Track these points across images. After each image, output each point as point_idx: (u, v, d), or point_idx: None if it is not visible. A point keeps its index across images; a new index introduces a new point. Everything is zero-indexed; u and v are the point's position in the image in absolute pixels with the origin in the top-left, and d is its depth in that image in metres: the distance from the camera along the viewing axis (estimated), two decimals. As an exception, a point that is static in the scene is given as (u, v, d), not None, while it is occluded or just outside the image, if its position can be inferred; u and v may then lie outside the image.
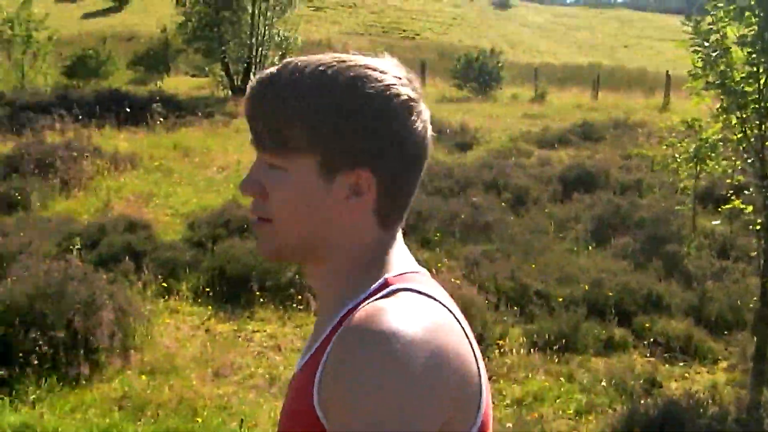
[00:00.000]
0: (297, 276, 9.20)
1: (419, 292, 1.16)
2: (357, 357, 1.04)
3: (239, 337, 8.37)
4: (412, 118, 1.22)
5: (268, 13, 27.05)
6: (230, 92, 26.45)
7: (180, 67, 34.46)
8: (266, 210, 1.23)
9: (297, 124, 1.18)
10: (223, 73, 27.76)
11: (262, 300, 9.16)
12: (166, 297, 9.12)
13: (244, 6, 26.91)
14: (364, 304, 1.14)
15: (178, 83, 30.43)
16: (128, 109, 19.95)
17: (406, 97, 1.21)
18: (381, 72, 1.21)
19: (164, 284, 9.30)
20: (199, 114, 21.80)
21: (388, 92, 1.19)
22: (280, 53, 26.60)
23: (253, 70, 25.83)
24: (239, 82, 26.27)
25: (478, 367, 1.16)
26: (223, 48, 26.75)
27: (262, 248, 1.28)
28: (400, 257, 1.26)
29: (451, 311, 1.17)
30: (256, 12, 26.75)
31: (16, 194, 11.78)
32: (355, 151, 1.18)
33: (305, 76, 1.18)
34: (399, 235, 1.29)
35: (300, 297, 9.16)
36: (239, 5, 26.85)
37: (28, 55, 22.21)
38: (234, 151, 16.72)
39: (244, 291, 9.23)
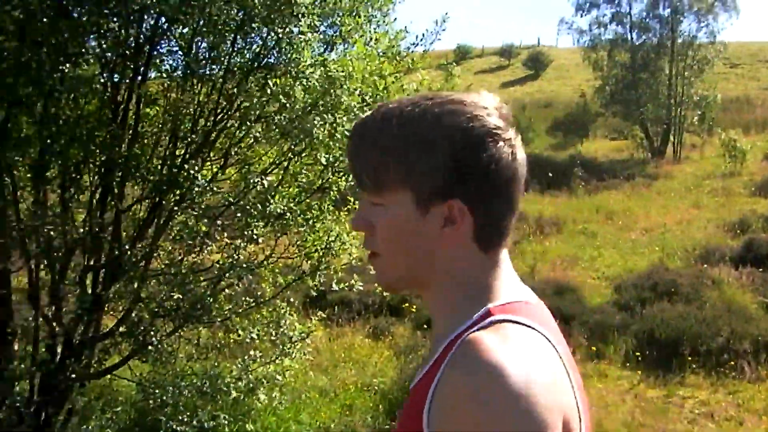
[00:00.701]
0: (730, 341, 8.90)
1: (519, 324, 1.20)
2: (457, 390, 1.10)
3: (669, 403, 8.29)
4: (498, 144, 1.26)
5: (686, 73, 26.52)
6: (650, 154, 26.26)
7: (598, 131, 34.77)
8: (375, 245, 1.32)
9: (389, 163, 1.26)
10: (642, 134, 27.70)
11: (693, 365, 8.98)
12: (595, 360, 9.38)
13: (661, 67, 26.76)
14: (466, 334, 1.18)
15: (597, 147, 30.82)
16: (550, 174, 20.70)
17: (491, 125, 1.26)
18: (466, 105, 1.27)
19: (593, 348, 9.56)
20: (620, 177, 21.96)
21: (470, 123, 1.25)
22: (699, 112, 25.83)
23: (672, 130, 25.41)
24: (659, 144, 26.01)
25: (575, 397, 1.20)
26: (641, 110, 26.75)
27: (378, 280, 1.37)
28: (506, 284, 1.30)
29: (550, 341, 1.21)
30: (674, 72, 26.39)
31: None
32: (443, 184, 1.25)
33: (395, 117, 1.27)
34: (505, 258, 1.33)
35: (733, 363, 8.80)
36: (656, 67, 26.77)
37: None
38: (657, 213, 16.58)
39: (675, 355, 9.14)
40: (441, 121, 1.24)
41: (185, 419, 6.90)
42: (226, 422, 7.07)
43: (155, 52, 6.24)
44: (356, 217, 1.33)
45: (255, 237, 6.22)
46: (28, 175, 6.47)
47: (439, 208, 1.26)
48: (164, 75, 6.32)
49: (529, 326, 1.20)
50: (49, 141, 6.22)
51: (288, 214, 6.23)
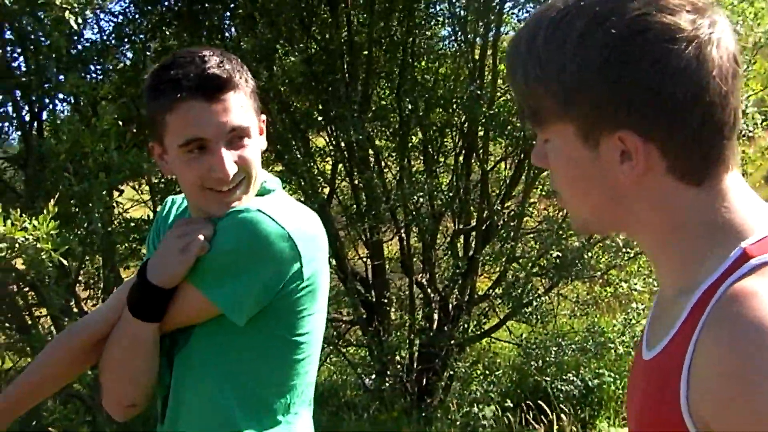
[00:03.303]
0: None
1: None
2: (730, 370, 0.85)
3: None
4: (674, 50, 0.93)
5: None
6: None
7: None
8: (553, 182, 1.11)
9: (540, 89, 1.01)
10: None
11: None
12: None
13: None
14: (725, 283, 0.92)
15: None
16: None
17: (658, 25, 0.93)
18: (627, 5, 0.94)
19: None
20: None
21: (628, 29, 0.94)
22: None
23: None
24: None
25: None
26: None
27: (572, 222, 1.20)
28: (752, 212, 1.00)
29: None
30: None
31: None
32: (604, 112, 0.97)
33: (544, 25, 0.99)
34: (735, 185, 1.01)
35: None
36: None
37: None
38: None
39: None
40: (591, 33, 0.96)
41: (569, 378, 6.63)
42: (611, 379, 6.70)
43: (506, 5, 5.92)
44: (534, 150, 1.11)
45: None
46: (391, 145, 6.52)
47: (610, 141, 0.99)
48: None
49: None
50: (409, 108, 6.19)
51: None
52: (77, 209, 4.81)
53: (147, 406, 1.67)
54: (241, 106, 1.52)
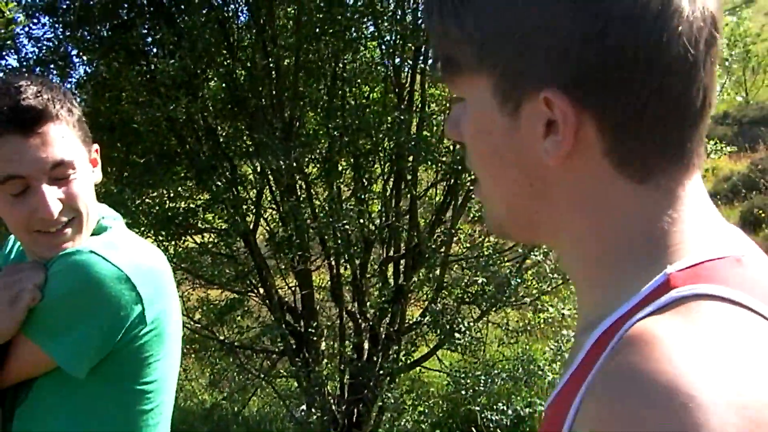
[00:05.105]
0: None
1: (725, 300, 0.67)
2: (625, 416, 0.61)
3: None
4: None
5: None
6: None
7: None
8: (468, 161, 0.83)
9: (455, 26, 0.77)
10: None
11: None
12: None
13: None
14: (633, 319, 0.69)
15: None
16: None
17: None
18: None
19: None
20: None
21: None
22: None
23: None
24: None
25: None
26: None
27: (486, 221, 0.89)
28: (696, 231, 0.74)
29: None
30: None
31: (760, 212, 11.85)
32: (531, 61, 0.73)
33: None
34: (692, 191, 0.76)
35: None
36: None
37: (747, 71, 22.38)
38: None
39: None
40: None
41: (500, 408, 6.56)
42: (543, 408, 6.64)
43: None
44: (449, 117, 0.85)
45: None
46: (319, 171, 6.40)
47: (533, 105, 0.74)
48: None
49: (744, 305, 0.67)
50: (336, 133, 6.09)
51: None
52: None
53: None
54: (62, 137, 1.39)
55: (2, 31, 4.94)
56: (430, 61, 6.10)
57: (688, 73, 0.72)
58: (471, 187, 5.96)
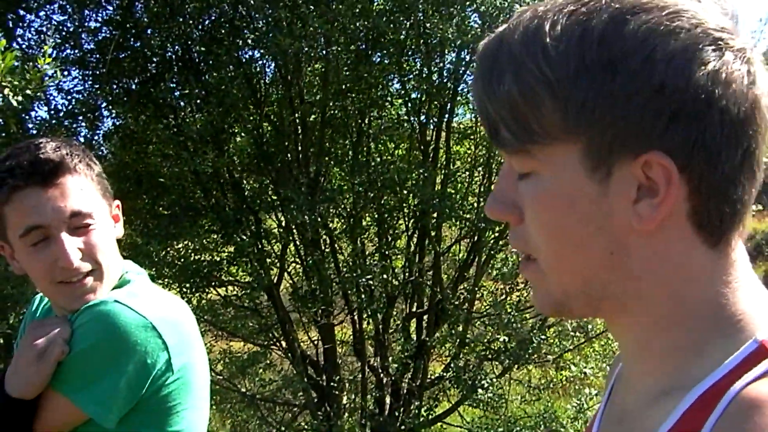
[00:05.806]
0: None
1: None
2: None
3: None
4: (725, 57, 0.70)
5: None
6: None
7: None
8: (527, 240, 0.79)
9: (542, 93, 0.73)
10: None
11: None
12: None
13: None
14: (737, 384, 0.68)
15: None
16: None
17: (709, 26, 0.70)
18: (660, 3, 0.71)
19: None
20: None
21: (673, 23, 0.70)
22: None
23: None
24: None
25: None
26: None
27: (537, 301, 0.82)
28: (758, 294, 0.75)
29: None
30: None
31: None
32: (632, 126, 0.70)
33: (547, 26, 0.73)
34: (742, 254, 0.76)
35: None
36: None
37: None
38: None
39: None
40: (623, 24, 0.70)
41: (522, 465, 6.49)
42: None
43: (460, 88, 5.95)
44: (494, 195, 0.80)
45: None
46: (344, 226, 6.44)
47: (627, 169, 0.71)
48: (472, 109, 6.03)
49: None
50: (361, 189, 6.14)
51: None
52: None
53: None
54: (81, 189, 1.43)
55: (35, 84, 5.05)
56: (455, 118, 6.18)
57: (764, 135, 0.73)
58: (495, 245, 5.97)
